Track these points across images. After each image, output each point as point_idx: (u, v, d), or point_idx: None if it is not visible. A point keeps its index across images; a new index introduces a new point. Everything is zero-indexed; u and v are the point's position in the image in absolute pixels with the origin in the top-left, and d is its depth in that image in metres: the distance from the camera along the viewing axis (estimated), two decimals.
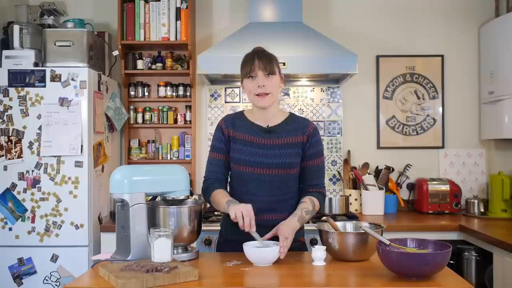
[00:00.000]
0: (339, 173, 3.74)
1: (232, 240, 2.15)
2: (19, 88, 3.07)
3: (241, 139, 2.13)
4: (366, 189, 3.51)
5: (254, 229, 1.94)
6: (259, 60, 2.04)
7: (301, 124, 2.16)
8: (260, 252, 1.88)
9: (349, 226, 2.11)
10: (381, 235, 1.86)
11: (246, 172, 2.12)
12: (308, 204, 2.10)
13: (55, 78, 3.06)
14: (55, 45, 3.16)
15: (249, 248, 1.90)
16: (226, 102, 3.78)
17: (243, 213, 1.92)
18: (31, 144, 3.05)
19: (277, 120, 2.16)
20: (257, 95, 2.06)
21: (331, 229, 2.02)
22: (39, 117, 3.05)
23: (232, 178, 2.21)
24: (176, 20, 3.53)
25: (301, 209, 2.08)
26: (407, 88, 3.78)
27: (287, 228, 1.98)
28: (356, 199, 3.55)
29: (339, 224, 2.09)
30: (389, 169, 3.61)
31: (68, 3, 3.78)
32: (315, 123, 3.71)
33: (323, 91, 3.77)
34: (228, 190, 2.22)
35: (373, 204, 3.48)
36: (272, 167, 2.10)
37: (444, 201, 3.49)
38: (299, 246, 2.18)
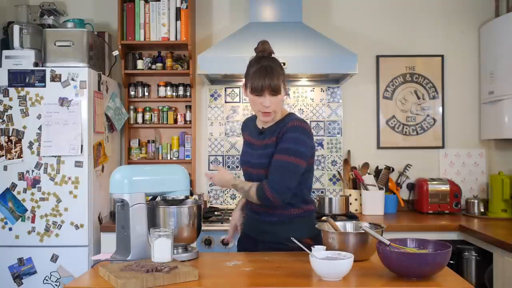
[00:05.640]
0: (339, 173, 3.74)
1: (245, 234, 2.27)
2: (19, 88, 3.07)
3: (245, 141, 2.27)
4: (366, 189, 3.51)
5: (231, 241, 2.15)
6: (270, 80, 2.03)
7: (283, 123, 2.11)
8: (332, 265, 1.67)
9: (349, 226, 2.11)
10: (381, 235, 1.86)
11: (244, 171, 2.26)
12: (247, 184, 2.11)
13: (55, 78, 3.07)
14: (55, 45, 3.16)
15: (317, 260, 1.68)
16: (226, 102, 3.78)
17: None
18: (31, 144, 3.05)
19: (272, 121, 2.17)
20: (261, 111, 2.10)
21: (331, 229, 2.02)
22: (39, 117, 3.05)
23: (244, 174, 2.30)
24: (176, 20, 3.53)
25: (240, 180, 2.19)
26: (407, 88, 3.78)
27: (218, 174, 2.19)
28: (356, 199, 3.55)
29: (339, 224, 2.09)
30: (389, 169, 3.61)
31: (68, 3, 3.78)
32: (315, 123, 3.75)
33: (323, 91, 3.77)
34: None
35: (373, 204, 3.48)
36: (255, 167, 2.15)
37: (444, 201, 3.49)
38: (305, 247, 2.18)
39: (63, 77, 3.06)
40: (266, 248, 2.13)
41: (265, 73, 2.03)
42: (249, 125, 2.29)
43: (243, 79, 2.16)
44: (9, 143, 3.06)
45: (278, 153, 2.04)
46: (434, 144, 3.77)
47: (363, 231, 1.89)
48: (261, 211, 2.15)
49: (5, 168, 3.05)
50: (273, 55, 2.14)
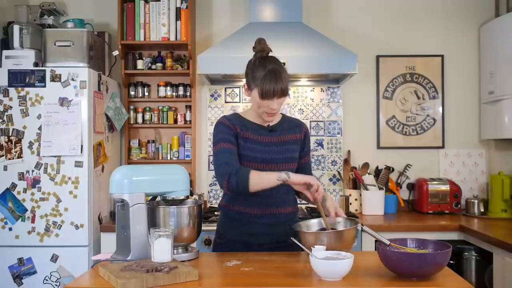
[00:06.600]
0: (339, 173, 3.74)
1: (232, 240, 2.19)
2: (19, 88, 3.07)
3: (247, 137, 2.16)
4: (366, 189, 3.51)
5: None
6: (280, 84, 2.06)
7: (296, 123, 2.30)
8: (332, 265, 1.66)
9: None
10: (358, 230, 1.95)
11: (257, 169, 2.12)
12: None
13: (55, 78, 3.07)
14: (55, 45, 3.16)
15: (317, 260, 1.67)
16: (226, 102, 3.78)
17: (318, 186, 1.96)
18: (31, 144, 3.05)
19: (275, 120, 2.24)
20: (266, 112, 2.12)
21: (310, 229, 2.07)
22: (39, 117, 3.05)
23: None
24: (176, 20, 3.53)
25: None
26: (407, 88, 3.78)
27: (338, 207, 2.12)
28: (356, 199, 3.55)
29: (314, 221, 2.12)
30: (389, 169, 3.61)
31: (68, 3, 3.78)
32: (315, 123, 3.75)
33: (323, 91, 3.77)
34: None
35: (373, 204, 3.48)
36: (279, 162, 2.15)
37: (444, 201, 3.49)
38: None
39: (63, 77, 3.06)
40: (264, 250, 2.13)
41: (275, 78, 2.05)
42: (241, 123, 2.18)
43: (244, 79, 2.17)
44: (9, 143, 3.06)
45: (309, 152, 2.33)
46: (434, 144, 3.77)
47: (336, 229, 1.98)
48: (266, 214, 2.16)
49: (5, 168, 3.05)
50: (270, 54, 2.15)
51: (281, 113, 2.30)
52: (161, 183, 2.00)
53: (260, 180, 1.99)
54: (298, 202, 2.34)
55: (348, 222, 2.05)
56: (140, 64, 3.63)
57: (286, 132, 2.23)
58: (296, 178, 1.97)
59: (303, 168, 2.28)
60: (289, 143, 2.21)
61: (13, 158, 3.05)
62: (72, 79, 3.06)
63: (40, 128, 3.05)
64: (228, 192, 2.08)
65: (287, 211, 2.21)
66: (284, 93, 2.08)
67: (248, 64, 2.16)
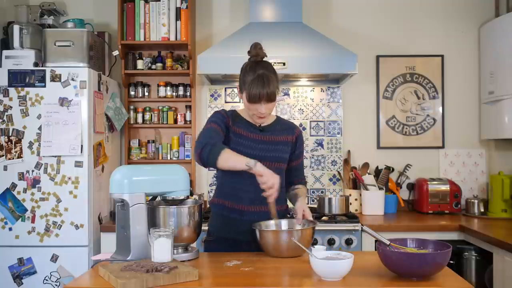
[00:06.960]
0: (339, 173, 3.74)
1: (222, 238, 2.22)
2: (19, 88, 3.07)
3: (237, 133, 2.21)
4: (366, 189, 3.51)
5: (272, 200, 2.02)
6: (267, 89, 2.09)
7: (289, 126, 2.34)
8: (332, 265, 1.66)
9: (284, 223, 2.16)
10: (314, 230, 2.02)
11: None
12: (304, 189, 2.35)
13: (55, 78, 3.07)
14: (55, 45, 3.16)
15: (317, 260, 1.67)
16: (226, 102, 3.79)
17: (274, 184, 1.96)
18: (31, 144, 3.05)
19: (267, 121, 2.28)
20: (256, 115, 2.17)
21: (269, 227, 2.10)
22: (39, 117, 3.05)
23: (225, 170, 2.19)
24: (176, 20, 3.53)
25: (303, 194, 2.30)
26: (407, 88, 3.78)
27: (308, 209, 2.20)
28: (356, 199, 3.55)
29: (272, 222, 2.15)
30: (389, 169, 3.61)
31: (68, 3, 3.78)
32: (315, 123, 3.76)
33: (323, 91, 3.77)
34: (219, 182, 2.28)
35: (373, 204, 3.48)
36: (266, 160, 2.15)
37: (444, 201, 3.49)
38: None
39: (63, 77, 3.07)
40: (252, 250, 2.13)
41: (262, 83, 2.09)
42: (236, 118, 2.24)
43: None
44: (9, 143, 3.06)
45: (302, 155, 2.37)
46: (434, 144, 3.77)
47: (294, 229, 2.03)
48: (250, 211, 2.17)
49: (5, 168, 3.05)
50: (265, 58, 2.19)
51: (276, 115, 2.35)
52: (161, 183, 2.00)
53: (230, 158, 2.00)
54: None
55: (307, 224, 2.12)
56: (140, 64, 3.63)
57: (278, 133, 2.26)
58: (258, 169, 1.96)
59: (294, 170, 2.33)
60: (279, 144, 2.24)
61: (13, 158, 3.05)
62: (72, 79, 3.06)
63: (40, 128, 3.05)
64: (198, 162, 2.06)
65: (283, 208, 2.26)
66: (271, 98, 2.11)
67: (242, 67, 2.19)
